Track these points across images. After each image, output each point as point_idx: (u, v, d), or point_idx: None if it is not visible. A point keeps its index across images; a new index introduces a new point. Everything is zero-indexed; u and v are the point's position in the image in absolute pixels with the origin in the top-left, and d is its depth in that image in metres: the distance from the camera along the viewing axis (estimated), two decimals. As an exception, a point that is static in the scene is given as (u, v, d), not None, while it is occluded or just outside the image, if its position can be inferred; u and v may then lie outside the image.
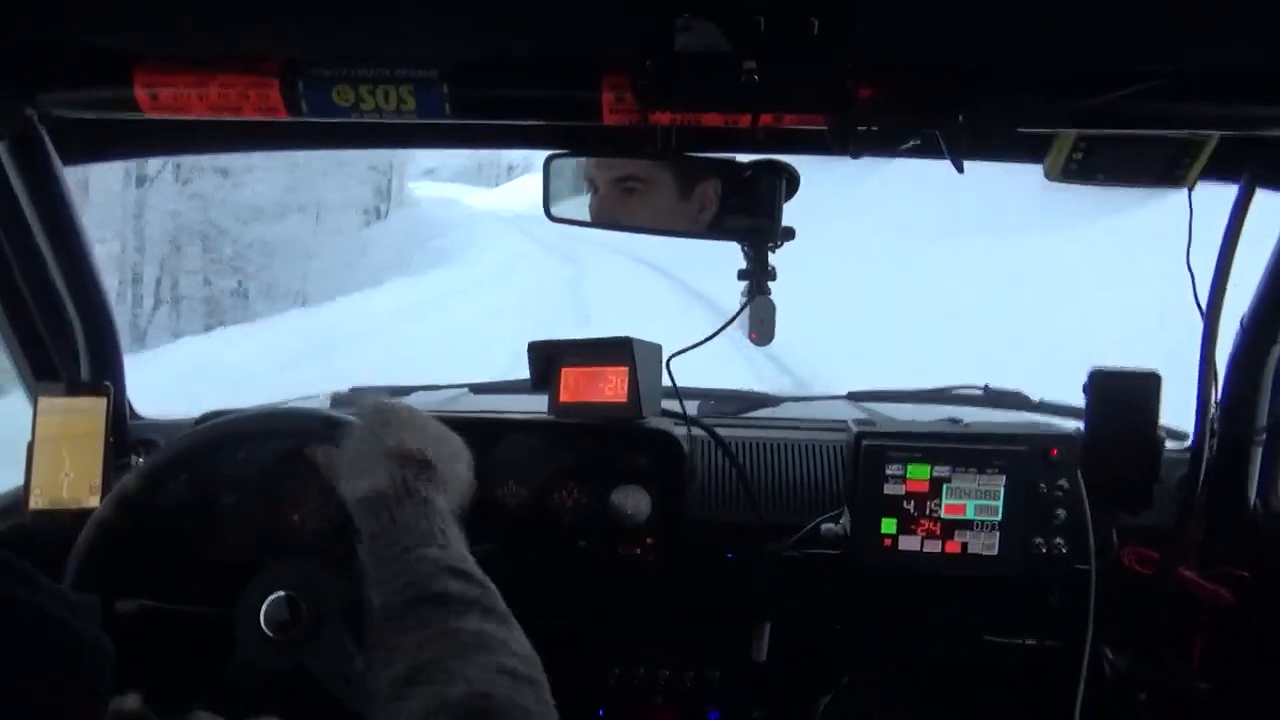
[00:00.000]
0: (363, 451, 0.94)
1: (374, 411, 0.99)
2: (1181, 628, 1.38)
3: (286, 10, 0.96)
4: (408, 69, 1.06)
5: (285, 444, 1.32)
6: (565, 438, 1.44)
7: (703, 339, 1.33)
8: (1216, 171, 1.15)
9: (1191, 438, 1.37)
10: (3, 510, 1.40)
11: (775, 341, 1.18)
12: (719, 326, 1.27)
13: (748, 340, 1.20)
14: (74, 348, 1.48)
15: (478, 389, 1.86)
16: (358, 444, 0.96)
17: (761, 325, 1.19)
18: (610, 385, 1.41)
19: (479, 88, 1.08)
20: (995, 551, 1.29)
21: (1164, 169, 1.13)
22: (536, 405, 1.52)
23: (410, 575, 0.78)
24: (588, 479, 1.42)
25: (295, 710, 1.03)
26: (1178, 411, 1.38)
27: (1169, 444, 1.34)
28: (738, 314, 1.21)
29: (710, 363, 1.47)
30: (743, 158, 1.17)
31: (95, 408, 1.38)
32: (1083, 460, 1.29)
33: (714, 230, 1.19)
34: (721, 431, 1.46)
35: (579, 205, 1.27)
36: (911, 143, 1.02)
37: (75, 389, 1.40)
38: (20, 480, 1.36)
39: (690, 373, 1.43)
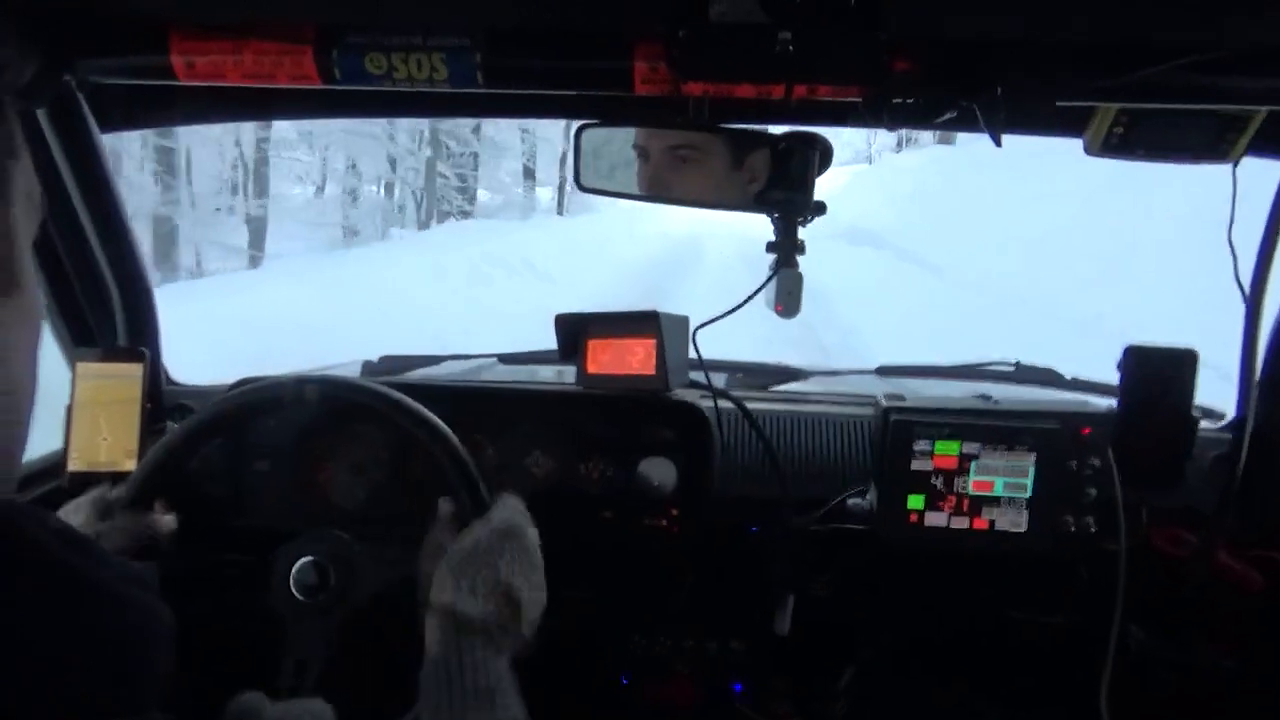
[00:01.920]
0: (475, 564, 0.94)
1: (507, 523, 1.00)
2: (1211, 609, 1.37)
3: None
4: (440, 37, 1.06)
5: (316, 413, 1.34)
6: (592, 409, 1.45)
7: (727, 310, 1.32)
8: (1262, 146, 1.13)
9: (1233, 416, 1.36)
10: (43, 472, 1.43)
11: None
12: (744, 298, 1.27)
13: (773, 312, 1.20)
14: (111, 314, 1.50)
15: (506, 359, 1.87)
16: (476, 549, 0.96)
17: (788, 298, 1.19)
18: (637, 357, 1.41)
19: (511, 57, 1.07)
20: (1023, 529, 1.28)
21: (1208, 143, 1.11)
22: (565, 376, 1.53)
23: None
24: (614, 451, 1.42)
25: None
26: (1214, 390, 1.36)
27: (1204, 423, 1.32)
28: (763, 286, 1.21)
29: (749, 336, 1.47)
30: (775, 129, 1.16)
31: (131, 373, 1.40)
32: (1115, 438, 1.28)
33: (755, 203, 1.18)
34: (749, 404, 1.46)
35: (613, 175, 1.26)
36: (947, 115, 1.01)
37: (112, 355, 1.42)
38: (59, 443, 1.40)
39: (725, 344, 1.43)
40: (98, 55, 1.12)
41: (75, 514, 1.09)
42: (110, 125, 1.38)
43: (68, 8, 1.06)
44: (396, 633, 1.23)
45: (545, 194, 25.00)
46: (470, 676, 0.85)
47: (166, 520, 1.12)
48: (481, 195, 22.16)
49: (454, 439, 1.07)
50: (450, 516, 1.05)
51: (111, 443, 1.38)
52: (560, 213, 21.90)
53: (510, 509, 1.03)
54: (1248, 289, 1.18)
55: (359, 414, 1.12)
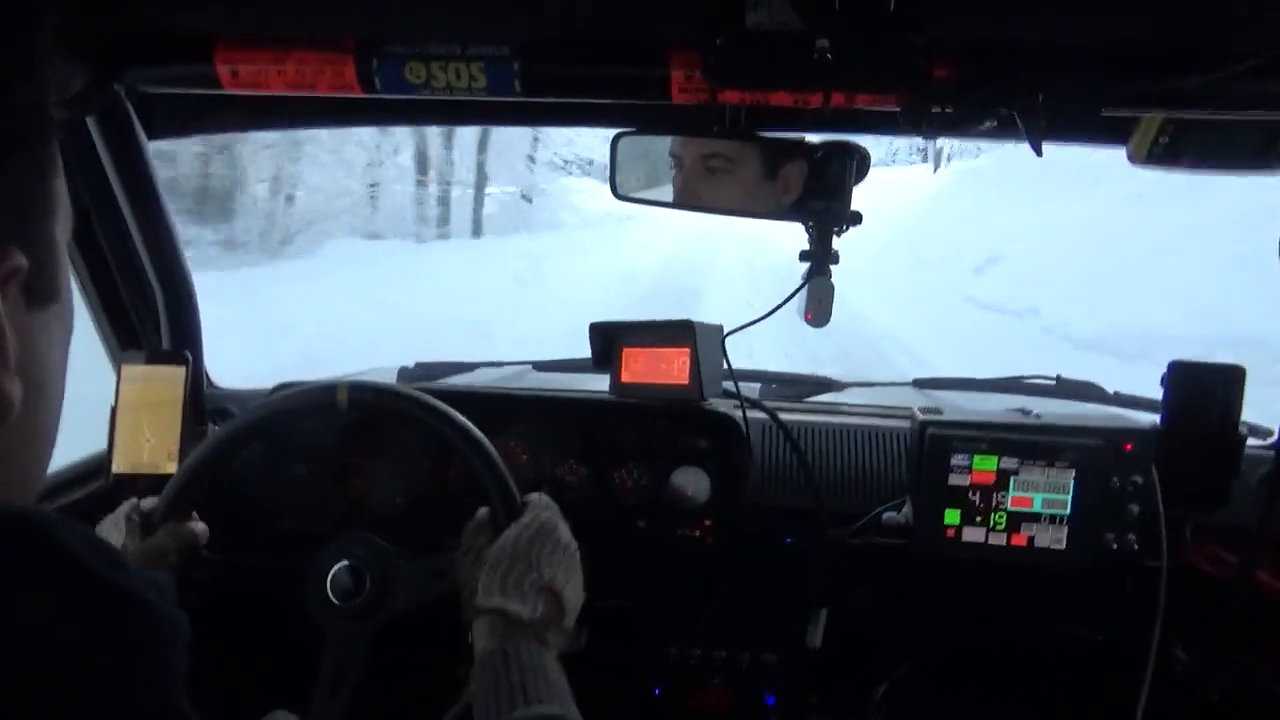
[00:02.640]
0: (518, 566, 0.96)
1: (539, 521, 1.02)
2: (1257, 630, 1.33)
3: None
4: (479, 46, 1.07)
5: (355, 417, 1.35)
6: (626, 418, 1.45)
7: (758, 317, 1.32)
8: None
9: (1277, 434, 1.32)
10: (89, 472, 1.46)
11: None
12: (776, 305, 1.26)
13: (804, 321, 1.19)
14: (156, 318, 1.53)
15: (540, 366, 1.88)
16: (516, 551, 0.98)
17: (819, 306, 1.18)
18: (672, 366, 1.41)
19: (549, 65, 1.08)
20: (1063, 546, 1.26)
21: (1257, 153, 1.08)
22: (598, 384, 1.53)
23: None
24: (648, 460, 1.42)
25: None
26: (1262, 406, 1.33)
27: (1251, 440, 1.28)
28: (795, 293, 1.20)
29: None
30: (812, 138, 1.16)
31: (175, 376, 1.42)
32: (1158, 455, 1.25)
33: (790, 212, 1.17)
34: (783, 415, 1.45)
35: (648, 185, 1.27)
36: (988, 124, 0.99)
37: (156, 357, 1.45)
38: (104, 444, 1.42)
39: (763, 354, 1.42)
40: (146, 65, 1.15)
41: (113, 531, 1.10)
42: (157, 133, 1.41)
43: (117, 21, 1.09)
44: (432, 641, 1.24)
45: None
46: (526, 675, 0.86)
47: (201, 529, 1.14)
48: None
49: (488, 444, 1.08)
50: (486, 521, 1.06)
51: (154, 444, 1.41)
52: (477, 234, 16.74)
53: (541, 507, 1.05)
54: None
55: (394, 419, 1.12)
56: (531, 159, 18.64)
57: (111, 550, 0.46)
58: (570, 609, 0.97)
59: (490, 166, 17.12)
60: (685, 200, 1.24)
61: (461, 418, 1.09)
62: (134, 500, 1.14)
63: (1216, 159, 1.10)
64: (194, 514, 1.15)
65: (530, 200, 18.70)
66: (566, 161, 20.69)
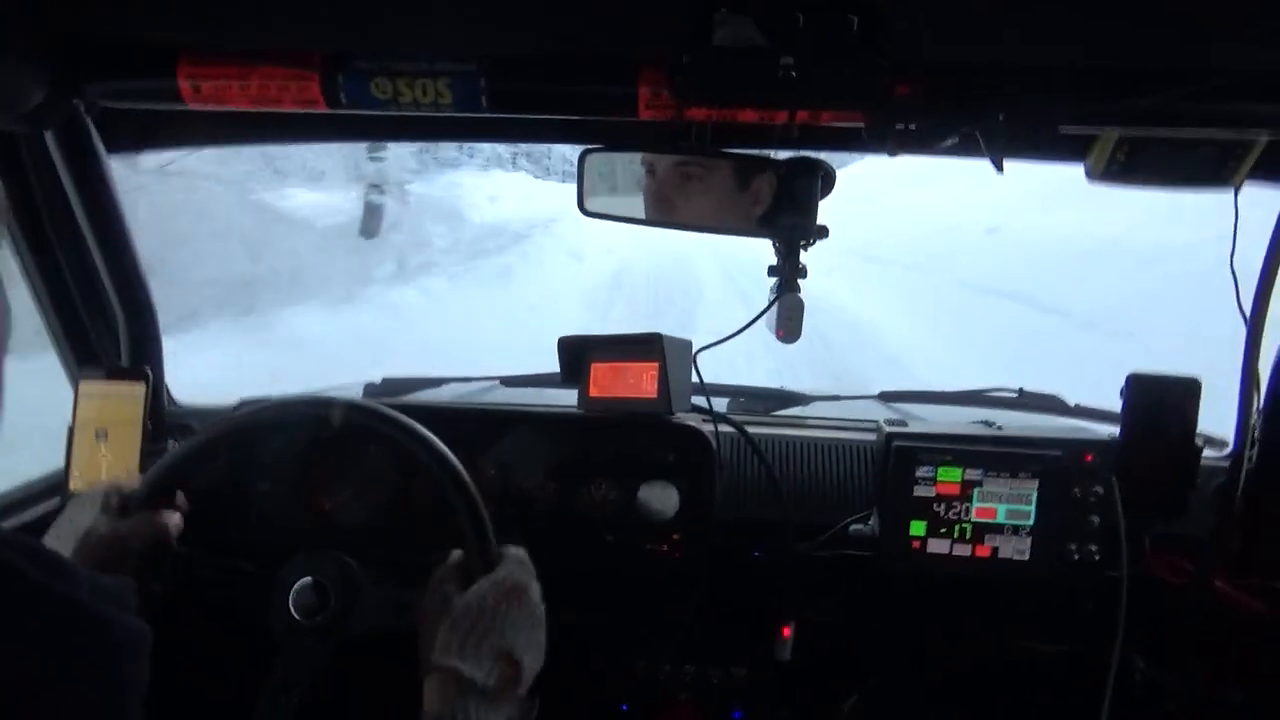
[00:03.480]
0: (480, 626, 0.92)
1: (512, 580, 0.98)
2: (1214, 638, 1.36)
3: (327, 3, 0.97)
4: (446, 63, 1.07)
5: (320, 433, 1.33)
6: (595, 433, 1.45)
7: (729, 335, 1.33)
8: (1264, 173, 1.13)
9: (1231, 445, 1.35)
10: (45, 490, 1.43)
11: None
12: (746, 322, 1.27)
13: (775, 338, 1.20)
14: (115, 334, 1.50)
15: (508, 382, 1.87)
16: (482, 609, 0.94)
17: (789, 322, 1.19)
18: (640, 381, 1.41)
19: (516, 82, 1.08)
20: (1026, 557, 1.28)
21: (1210, 170, 1.11)
22: (567, 399, 1.52)
23: None
24: (616, 474, 1.42)
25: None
26: (1219, 419, 1.36)
27: (1208, 452, 1.31)
28: (765, 310, 1.21)
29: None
30: (778, 155, 1.17)
31: (134, 393, 1.40)
32: (1118, 466, 1.27)
33: (759, 227, 1.18)
34: (751, 429, 1.46)
35: (617, 201, 1.27)
36: (950, 141, 1.01)
37: (115, 374, 1.43)
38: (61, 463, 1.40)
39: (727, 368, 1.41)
40: (106, 79, 1.14)
41: (86, 509, 1.07)
42: (117, 148, 1.39)
43: (77, 32, 1.07)
44: (387, 673, 1.22)
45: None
46: None
47: (175, 519, 1.11)
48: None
49: (473, 488, 1.04)
50: (457, 567, 1.01)
51: (112, 462, 1.38)
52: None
53: (516, 564, 1.00)
54: (1249, 315, 1.18)
55: (379, 441, 1.09)
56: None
57: (58, 562, 0.45)
58: (526, 677, 0.94)
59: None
60: (657, 212, 1.24)
61: (455, 462, 1.04)
62: (113, 481, 1.11)
63: (1172, 176, 1.12)
64: (174, 501, 1.12)
65: (378, 210, 12.01)
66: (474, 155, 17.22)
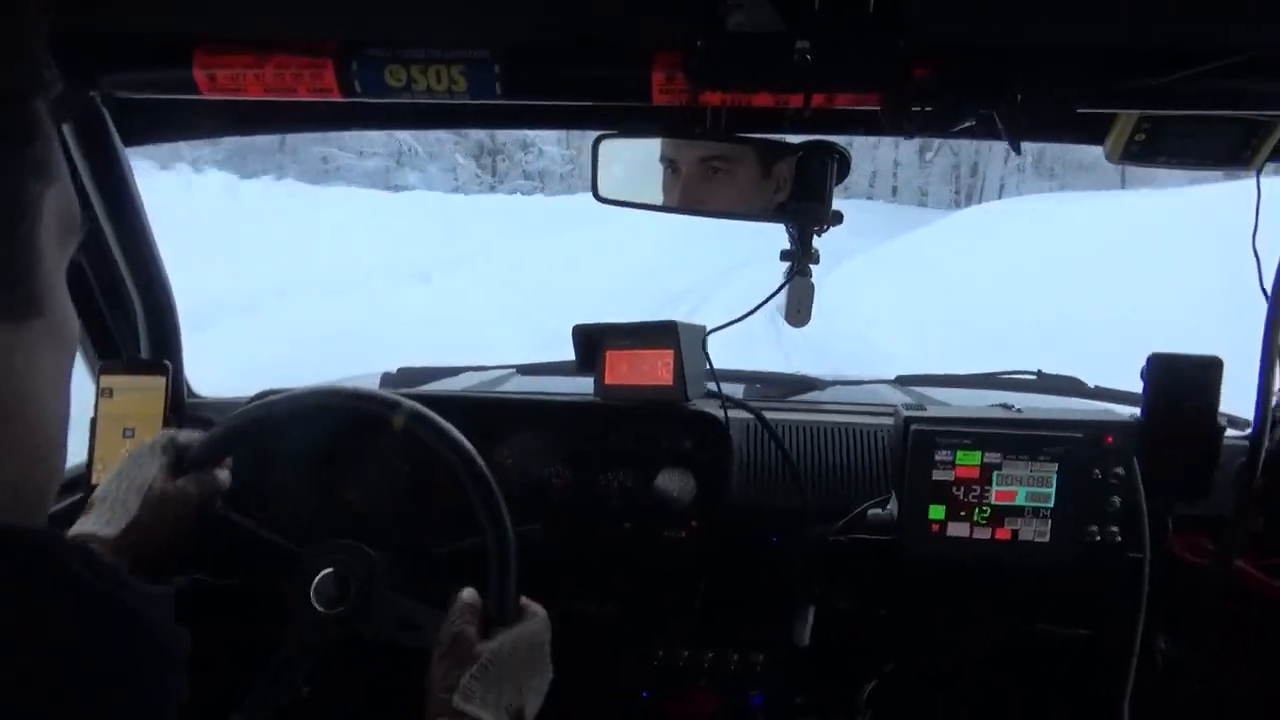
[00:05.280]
0: (503, 682, 0.93)
1: (535, 638, 0.99)
2: (1236, 619, 1.35)
3: None
4: (460, 50, 1.07)
5: (339, 424, 1.33)
6: (610, 420, 1.45)
7: (738, 317, 1.32)
8: None
9: (1252, 425, 1.34)
10: (68, 484, 1.45)
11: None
12: (755, 305, 1.26)
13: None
14: (134, 327, 1.51)
15: (525, 370, 1.87)
16: (508, 664, 0.94)
17: (799, 307, 1.19)
18: (655, 368, 1.41)
19: (530, 68, 1.08)
20: (1047, 539, 1.27)
21: (1231, 150, 1.10)
22: (583, 387, 1.52)
23: None
24: (633, 462, 1.42)
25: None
26: (1244, 398, 1.34)
27: (1230, 431, 1.30)
28: (774, 293, 1.20)
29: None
30: (793, 138, 1.16)
31: (155, 385, 1.41)
32: (1139, 447, 1.26)
33: (776, 213, 1.17)
34: (767, 415, 1.46)
35: (632, 187, 1.26)
36: (967, 123, 1.00)
37: (135, 367, 1.44)
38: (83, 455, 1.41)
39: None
40: (122, 70, 1.14)
41: (146, 461, 1.06)
42: (134, 139, 1.40)
43: (92, 25, 1.08)
44: (383, 679, 1.22)
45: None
46: None
47: (224, 477, 1.12)
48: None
49: (513, 543, 1.02)
50: (473, 607, 1.00)
51: (134, 454, 1.39)
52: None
53: (539, 621, 1.01)
54: (1270, 294, 1.17)
55: (433, 458, 1.08)
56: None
57: (111, 568, 0.45)
58: None
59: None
60: (684, 203, 1.23)
61: (504, 513, 1.03)
62: (170, 432, 1.11)
63: (1192, 157, 1.11)
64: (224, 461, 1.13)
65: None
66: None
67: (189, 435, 1.11)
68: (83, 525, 1.00)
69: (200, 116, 1.42)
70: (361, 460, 1.43)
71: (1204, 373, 1.26)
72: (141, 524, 1.00)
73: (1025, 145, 1.05)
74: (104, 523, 0.99)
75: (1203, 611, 1.35)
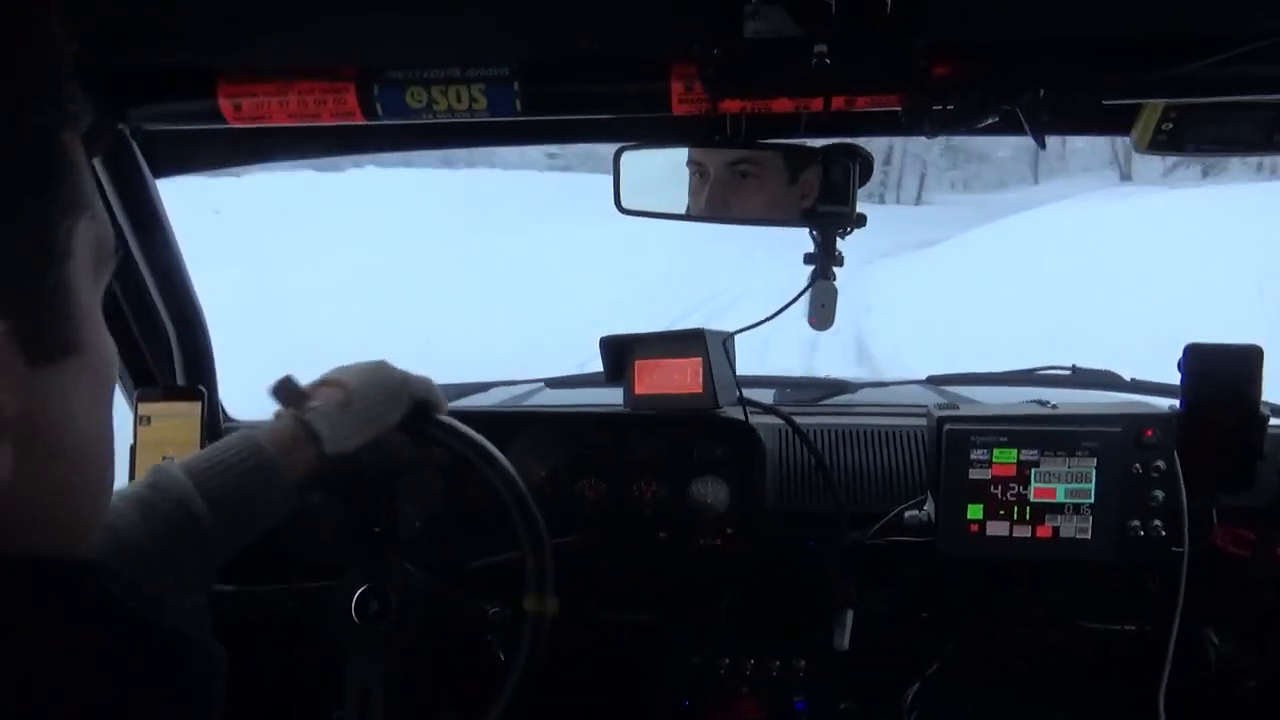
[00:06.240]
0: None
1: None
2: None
3: (359, 13, 0.98)
4: (479, 68, 1.08)
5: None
6: (642, 431, 1.45)
7: (761, 320, 1.32)
8: None
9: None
10: None
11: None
12: (778, 308, 1.26)
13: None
14: (169, 354, 1.54)
15: (554, 383, 1.88)
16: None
17: (822, 310, 1.18)
18: (685, 376, 1.41)
19: (549, 84, 1.09)
20: (1088, 536, 1.25)
21: (1262, 136, 1.08)
22: (612, 398, 1.53)
23: None
24: (666, 471, 1.42)
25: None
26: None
27: (1274, 421, 1.28)
28: (798, 297, 1.20)
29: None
30: (814, 142, 1.16)
31: (191, 411, 1.43)
32: (1179, 440, 1.24)
33: (802, 218, 1.17)
34: (799, 420, 1.45)
35: (655, 197, 1.26)
36: (990, 120, 0.99)
37: (172, 394, 1.46)
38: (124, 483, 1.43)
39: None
40: (149, 103, 1.16)
41: (392, 409, 1.06)
42: (163, 170, 1.42)
43: (119, 60, 1.10)
44: (451, 657, 1.23)
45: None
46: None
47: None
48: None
49: (543, 525, 1.04)
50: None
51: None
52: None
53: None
54: None
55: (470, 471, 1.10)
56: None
57: (151, 596, 0.46)
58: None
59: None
60: (712, 210, 1.23)
61: (529, 498, 1.05)
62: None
63: (1221, 144, 1.09)
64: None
65: None
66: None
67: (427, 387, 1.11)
68: (317, 421, 1.01)
69: (228, 146, 1.44)
70: (396, 478, 1.44)
71: (1244, 362, 1.24)
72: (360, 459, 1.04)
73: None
74: (334, 436, 1.01)
75: (1254, 606, 1.32)
